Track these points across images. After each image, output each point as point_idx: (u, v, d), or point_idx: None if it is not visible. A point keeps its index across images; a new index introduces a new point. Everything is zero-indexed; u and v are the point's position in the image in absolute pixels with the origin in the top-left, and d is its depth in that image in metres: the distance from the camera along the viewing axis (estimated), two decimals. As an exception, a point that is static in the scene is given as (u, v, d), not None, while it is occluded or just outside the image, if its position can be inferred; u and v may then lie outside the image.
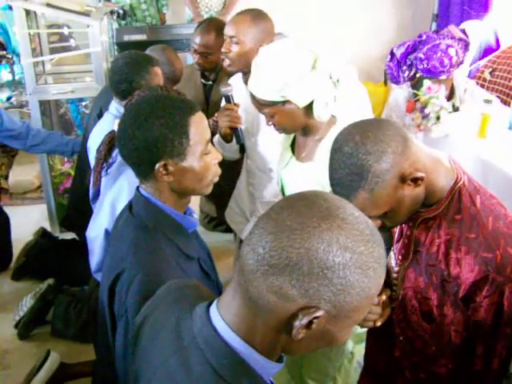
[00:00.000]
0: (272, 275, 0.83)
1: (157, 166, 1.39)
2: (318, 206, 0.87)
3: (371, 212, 1.35)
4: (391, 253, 1.62)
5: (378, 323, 1.54)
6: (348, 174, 1.32)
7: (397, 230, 1.58)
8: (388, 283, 1.60)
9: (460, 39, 3.01)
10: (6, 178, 4.49)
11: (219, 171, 1.52)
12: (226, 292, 0.94)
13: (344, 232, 0.84)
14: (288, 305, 0.84)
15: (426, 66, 2.99)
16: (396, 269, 1.59)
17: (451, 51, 2.96)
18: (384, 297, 1.53)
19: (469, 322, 1.44)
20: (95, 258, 2.19)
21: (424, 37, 3.06)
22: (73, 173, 3.86)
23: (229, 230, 3.46)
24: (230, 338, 0.90)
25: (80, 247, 2.84)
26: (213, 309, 0.95)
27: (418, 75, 3.16)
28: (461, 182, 1.43)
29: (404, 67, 3.13)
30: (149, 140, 1.38)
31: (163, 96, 1.48)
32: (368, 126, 1.35)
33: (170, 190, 1.45)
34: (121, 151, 1.47)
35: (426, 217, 1.46)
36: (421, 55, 3.00)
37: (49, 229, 3.75)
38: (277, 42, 1.90)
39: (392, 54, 3.22)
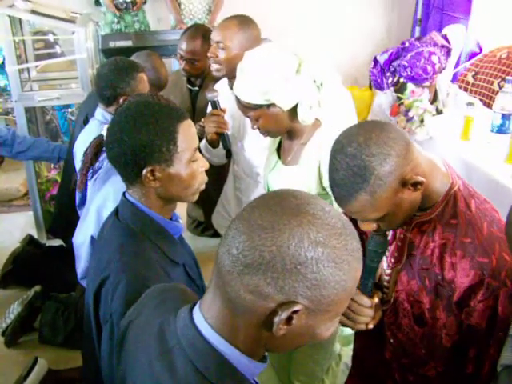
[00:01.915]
0: (247, 275, 0.85)
1: (144, 171, 1.40)
2: (288, 203, 0.88)
3: (370, 214, 1.35)
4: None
5: (370, 326, 1.53)
6: (350, 175, 1.30)
7: (390, 233, 1.59)
8: (379, 286, 1.60)
9: (442, 46, 3.04)
10: (-8, 185, 4.47)
11: (206, 179, 1.53)
12: (207, 294, 0.95)
13: (315, 227, 0.85)
14: (266, 302, 0.85)
15: (409, 73, 3.03)
16: (388, 271, 1.59)
17: (434, 58, 3.00)
18: (376, 299, 1.53)
19: (461, 326, 1.45)
20: (81, 264, 2.19)
21: (407, 44, 3.10)
22: (59, 179, 3.86)
23: (216, 234, 3.47)
24: (213, 338, 0.91)
25: (67, 254, 2.84)
26: (196, 311, 0.96)
27: (401, 80, 3.19)
28: (456, 187, 1.43)
29: (387, 74, 3.17)
30: (137, 145, 1.39)
31: (152, 102, 1.49)
32: (372, 128, 1.34)
33: (157, 196, 1.46)
34: (108, 155, 1.47)
35: (421, 220, 1.46)
36: (404, 63, 3.04)
37: (36, 236, 3.73)
38: (261, 46, 1.92)
39: (375, 60, 3.25)
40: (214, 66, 2.42)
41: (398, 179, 1.32)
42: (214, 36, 2.38)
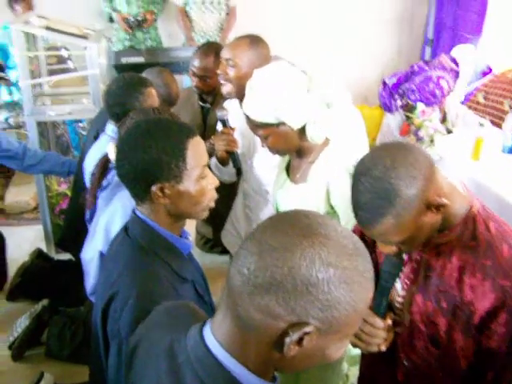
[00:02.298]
0: (258, 295, 0.85)
1: (153, 188, 1.40)
2: (299, 223, 0.88)
3: (394, 237, 1.34)
4: None
5: (383, 347, 1.52)
6: (376, 198, 1.28)
7: (404, 254, 1.57)
8: (391, 307, 1.58)
9: (451, 69, 3.06)
10: (2, 198, 4.50)
11: (215, 196, 1.53)
12: (217, 313, 0.95)
13: (326, 248, 0.85)
14: (276, 323, 0.85)
15: (418, 97, 3.05)
16: (402, 293, 1.57)
17: (443, 83, 3.02)
18: (389, 321, 1.51)
19: (479, 349, 1.43)
20: (90, 280, 2.20)
21: (416, 67, 3.12)
22: (69, 193, 3.87)
23: (225, 251, 3.46)
24: (223, 357, 0.91)
25: (76, 268, 2.84)
26: (206, 329, 0.96)
27: (410, 103, 3.21)
28: (475, 209, 1.42)
29: (396, 96, 3.18)
30: (146, 162, 1.39)
31: (162, 119, 1.50)
32: (397, 150, 1.33)
33: (166, 213, 1.46)
34: (118, 172, 1.48)
35: (438, 242, 1.44)
36: (413, 86, 3.06)
37: (45, 249, 3.74)
38: (271, 64, 1.93)
39: (384, 83, 3.27)
40: (224, 89, 2.42)
41: (423, 202, 1.30)
42: (224, 54, 2.39)
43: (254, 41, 2.39)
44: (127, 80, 2.47)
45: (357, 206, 1.34)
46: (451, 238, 1.43)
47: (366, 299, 0.89)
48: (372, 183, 1.29)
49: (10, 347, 3.00)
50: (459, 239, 1.42)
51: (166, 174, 1.40)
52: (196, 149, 1.44)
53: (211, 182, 1.50)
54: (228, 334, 0.92)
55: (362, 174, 1.32)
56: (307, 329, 0.84)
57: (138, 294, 1.35)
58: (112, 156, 1.98)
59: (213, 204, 1.53)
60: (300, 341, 0.86)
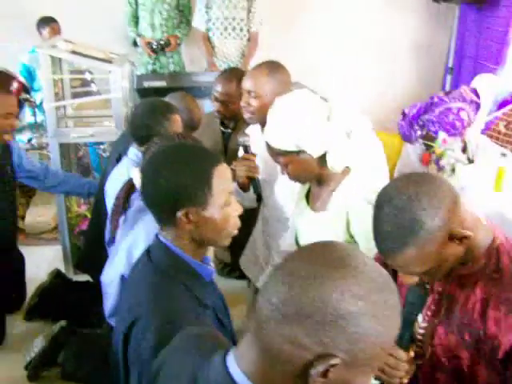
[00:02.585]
0: (286, 325, 0.85)
1: (178, 213, 1.41)
2: (330, 255, 0.88)
3: (416, 268, 1.33)
4: None
5: (405, 380, 1.49)
6: (398, 228, 1.28)
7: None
8: (413, 339, 1.56)
9: (472, 101, 3.05)
10: (23, 218, 4.54)
11: (239, 223, 1.53)
12: (243, 341, 0.95)
13: (356, 281, 0.85)
14: (303, 354, 0.85)
15: (438, 128, 3.04)
16: (423, 325, 1.55)
17: (463, 114, 3.02)
18: (412, 353, 1.50)
19: (505, 383, 1.40)
20: (109, 302, 2.20)
21: (436, 99, 3.12)
22: (89, 215, 3.90)
23: (242, 276, 3.45)
24: None
25: (94, 290, 2.85)
26: (230, 358, 0.96)
27: (429, 134, 3.20)
28: (499, 241, 1.41)
29: (416, 127, 3.18)
30: (172, 188, 1.40)
31: (189, 145, 1.52)
32: (421, 180, 1.33)
33: (190, 239, 1.47)
34: (143, 197, 1.50)
35: (462, 274, 1.43)
36: (433, 118, 3.06)
37: (63, 270, 3.75)
38: (292, 92, 1.94)
39: (404, 114, 3.28)
40: (246, 115, 2.44)
41: (447, 233, 1.29)
42: (245, 85, 2.41)
43: (273, 68, 2.40)
44: (154, 105, 2.50)
45: (379, 236, 1.34)
46: (474, 270, 1.41)
47: (393, 334, 0.89)
48: (395, 213, 1.29)
49: (26, 367, 3.00)
50: (483, 271, 1.41)
51: (192, 200, 1.41)
52: (222, 176, 1.45)
53: (235, 209, 1.51)
54: (253, 364, 0.92)
55: (385, 204, 1.32)
56: (334, 361, 0.84)
57: (160, 319, 1.35)
58: (136, 181, 2.00)
59: (236, 232, 1.53)
60: (325, 373, 0.85)
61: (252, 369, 0.92)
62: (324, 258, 0.88)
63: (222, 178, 1.46)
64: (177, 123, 2.52)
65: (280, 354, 0.87)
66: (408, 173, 1.42)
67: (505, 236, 1.45)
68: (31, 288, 3.51)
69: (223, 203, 1.45)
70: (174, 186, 1.40)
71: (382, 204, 1.33)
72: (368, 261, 0.90)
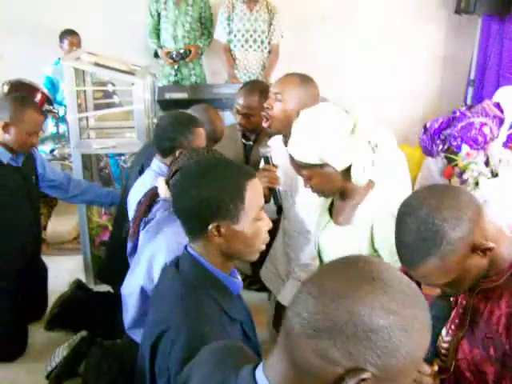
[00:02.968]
0: (317, 338, 0.84)
1: (210, 226, 1.41)
2: (360, 269, 0.88)
3: (438, 279, 1.33)
4: None
5: None
6: (420, 239, 1.29)
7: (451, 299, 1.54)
8: (437, 353, 1.55)
9: (495, 116, 3.02)
10: (45, 228, 4.58)
11: (268, 239, 1.54)
12: (272, 356, 0.95)
13: (387, 295, 0.85)
14: (333, 368, 0.84)
15: (459, 143, 3.02)
16: (447, 338, 1.54)
17: (485, 129, 2.99)
18: (436, 367, 1.49)
19: None
20: (129, 314, 2.20)
21: (457, 113, 3.09)
22: (110, 225, 3.93)
23: (262, 288, 3.45)
24: None
25: (114, 300, 2.86)
26: (259, 372, 0.96)
27: (451, 149, 3.18)
28: None
29: (438, 141, 3.16)
30: (205, 200, 1.41)
31: (222, 159, 1.53)
32: (444, 191, 1.34)
33: (219, 252, 1.47)
34: (175, 208, 1.51)
35: (486, 287, 1.42)
36: (455, 133, 3.03)
37: (84, 280, 3.77)
38: (318, 106, 1.94)
39: (425, 128, 3.26)
40: (266, 123, 2.43)
41: (469, 245, 1.30)
42: (273, 87, 2.42)
43: (305, 79, 2.41)
44: (179, 118, 2.53)
45: (401, 246, 1.35)
46: (499, 283, 1.40)
47: (423, 348, 0.88)
48: (417, 224, 1.30)
49: (47, 377, 3.01)
50: (508, 284, 1.39)
51: (224, 214, 1.41)
52: (254, 190, 1.46)
53: (266, 225, 1.51)
54: (282, 378, 0.91)
55: (407, 215, 1.33)
56: (364, 375, 0.83)
57: (188, 332, 1.35)
58: (161, 191, 2.01)
59: (264, 247, 1.53)
60: None
61: (281, 381, 0.91)
62: (355, 271, 0.88)
63: (255, 193, 1.47)
64: (201, 136, 2.53)
65: (310, 368, 0.86)
66: (430, 185, 1.43)
67: None
68: (52, 298, 3.52)
69: (255, 218, 1.46)
70: (208, 198, 1.41)
71: (404, 216, 1.34)
72: (399, 275, 0.90)
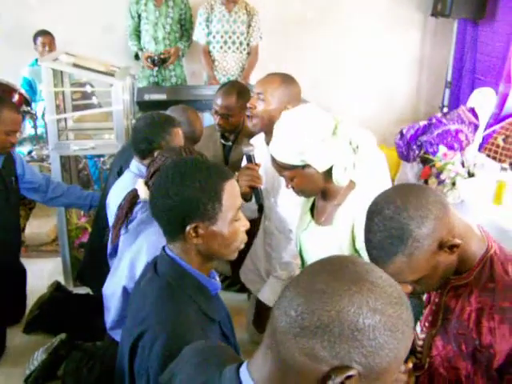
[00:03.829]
0: (304, 337, 0.85)
1: (188, 227, 1.42)
2: (347, 269, 0.90)
3: (407, 277, 1.35)
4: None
5: None
6: (387, 237, 1.32)
7: (424, 297, 1.57)
8: (412, 350, 1.57)
9: (470, 122, 3.09)
10: (23, 230, 4.53)
11: (246, 238, 1.55)
12: (257, 354, 0.96)
13: (373, 295, 0.86)
14: (319, 366, 0.86)
15: (436, 149, 3.07)
16: (421, 336, 1.56)
17: (461, 136, 3.06)
18: (410, 364, 1.51)
19: None
20: (111, 315, 2.20)
21: (434, 120, 3.15)
22: (89, 227, 3.90)
23: (242, 289, 3.46)
24: None
25: (94, 302, 2.85)
26: (243, 371, 0.96)
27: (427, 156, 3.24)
28: (492, 251, 1.42)
29: (414, 147, 3.22)
30: (182, 201, 1.41)
31: (200, 160, 1.53)
32: (410, 190, 1.36)
33: (197, 253, 1.47)
34: (153, 210, 1.50)
35: (457, 284, 1.46)
36: (431, 139, 3.09)
37: (63, 282, 3.74)
38: (299, 107, 1.95)
39: (401, 133, 3.31)
40: (250, 122, 2.45)
41: (436, 242, 1.32)
42: (256, 88, 2.44)
43: (286, 79, 2.43)
44: (156, 118, 2.51)
45: (370, 245, 1.37)
46: (469, 280, 1.43)
47: (406, 348, 0.90)
48: (384, 223, 1.32)
49: (25, 381, 2.98)
50: (477, 281, 1.42)
51: (202, 214, 1.42)
52: (232, 191, 1.46)
53: (243, 225, 1.52)
54: (268, 376, 0.92)
55: (374, 214, 1.36)
56: (350, 373, 0.85)
57: (167, 332, 1.35)
58: (141, 193, 2.01)
59: (243, 246, 1.54)
60: None
61: (267, 380, 0.92)
62: (342, 272, 0.89)
63: (232, 194, 1.47)
64: (178, 136, 2.53)
65: (296, 366, 0.87)
66: (398, 184, 1.45)
67: (499, 246, 1.47)
68: (31, 301, 3.50)
69: (232, 218, 1.46)
70: (185, 199, 1.41)
71: (372, 215, 1.37)
72: (383, 275, 0.91)
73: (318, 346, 0.85)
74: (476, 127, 3.14)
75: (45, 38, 4.96)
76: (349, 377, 0.85)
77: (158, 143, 2.45)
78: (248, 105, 2.44)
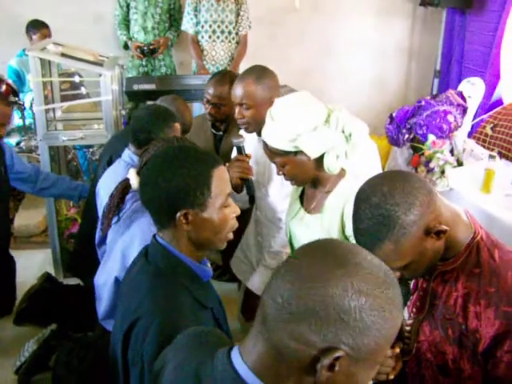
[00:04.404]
0: (292, 322, 0.87)
1: (177, 214, 1.42)
2: (332, 253, 0.91)
3: (394, 263, 1.36)
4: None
5: (391, 376, 1.52)
6: (375, 224, 1.33)
7: (411, 283, 1.59)
8: (400, 336, 1.59)
9: (458, 105, 3.10)
10: (12, 221, 4.51)
11: (236, 225, 1.55)
12: (248, 339, 0.97)
13: (358, 276, 0.88)
14: (309, 349, 0.87)
15: (425, 131, 3.08)
16: (409, 321, 1.59)
17: (450, 118, 3.06)
18: (397, 349, 1.53)
19: (487, 377, 1.43)
20: (103, 305, 2.19)
21: (423, 103, 3.15)
22: (78, 218, 3.89)
23: (232, 279, 3.46)
24: (253, 382, 0.93)
25: (84, 293, 2.85)
26: (235, 353, 0.98)
27: (417, 137, 3.24)
28: (479, 237, 1.44)
29: (403, 130, 3.22)
30: (172, 189, 1.42)
31: (189, 147, 1.53)
32: (396, 177, 1.38)
33: (187, 240, 1.47)
34: (142, 198, 1.50)
35: (444, 270, 1.47)
36: (420, 121, 3.09)
37: (53, 273, 3.73)
38: (293, 95, 1.95)
39: (391, 117, 3.31)
40: (243, 126, 2.45)
41: (422, 228, 1.34)
42: (235, 98, 2.41)
43: (259, 75, 2.40)
44: (158, 111, 2.51)
45: (357, 232, 1.40)
46: (456, 266, 1.45)
47: (394, 327, 0.91)
48: (371, 210, 1.34)
49: (16, 372, 2.98)
50: (464, 266, 1.44)
51: (191, 201, 1.42)
52: (221, 178, 1.47)
53: (233, 211, 1.52)
54: (259, 360, 0.93)
55: (361, 202, 1.38)
56: (338, 353, 0.86)
57: (160, 320, 1.36)
58: (133, 182, 2.01)
59: (232, 234, 1.54)
60: (331, 367, 0.87)
61: (258, 365, 0.93)
62: (326, 256, 0.91)
63: (221, 180, 1.47)
64: (177, 132, 2.52)
65: (286, 351, 0.89)
66: (384, 172, 1.46)
67: (485, 232, 1.49)
68: (21, 292, 3.48)
69: (222, 205, 1.47)
70: (174, 187, 1.41)
71: (359, 202, 1.39)
72: (370, 257, 0.93)
73: (307, 331, 0.86)
74: (465, 110, 3.15)
75: (43, 31, 4.81)
76: (337, 358, 0.86)
77: (157, 135, 2.44)
78: (236, 116, 2.43)
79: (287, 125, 1.81)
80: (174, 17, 5.27)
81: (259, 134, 2.41)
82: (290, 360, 0.89)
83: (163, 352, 1.18)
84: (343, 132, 1.85)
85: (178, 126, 2.52)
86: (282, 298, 0.88)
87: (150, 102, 3.55)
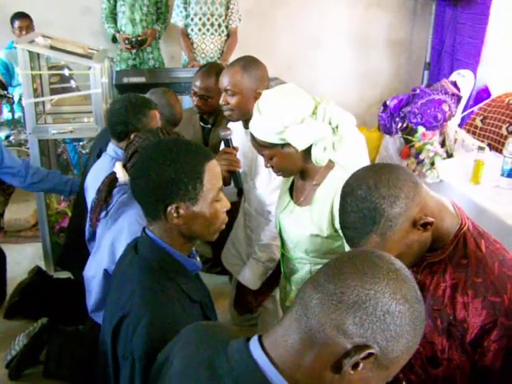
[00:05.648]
0: (338, 310, 0.90)
1: (169, 208, 1.42)
2: (384, 259, 0.96)
3: None
4: None
5: None
6: (360, 217, 1.34)
7: None
8: None
9: (453, 94, 3.10)
10: (2, 215, 4.49)
11: (226, 219, 1.55)
12: (277, 328, 0.98)
13: (406, 285, 0.93)
14: (344, 341, 0.89)
15: (419, 120, 3.08)
16: None
17: (444, 106, 3.06)
18: None
19: (476, 367, 1.44)
20: (92, 297, 2.19)
21: (417, 91, 3.15)
22: (69, 212, 3.88)
23: (223, 272, 3.47)
24: (271, 372, 0.94)
25: (75, 287, 2.84)
26: (254, 343, 0.98)
27: (410, 126, 3.24)
28: (465, 227, 1.45)
29: (397, 119, 3.22)
30: (163, 182, 1.41)
31: (180, 140, 1.53)
32: (381, 170, 1.38)
33: (178, 233, 1.47)
34: (134, 191, 1.50)
35: (431, 261, 1.48)
36: (415, 110, 3.09)
37: (43, 267, 3.72)
38: (280, 87, 1.95)
39: (385, 105, 3.31)
40: (226, 112, 2.45)
41: (408, 220, 1.34)
42: (222, 84, 2.42)
43: (248, 64, 2.40)
44: (132, 101, 2.48)
45: (344, 226, 1.40)
46: (444, 257, 1.46)
47: (416, 345, 0.95)
48: (356, 203, 1.34)
49: (7, 366, 2.97)
50: (451, 257, 1.45)
51: (183, 195, 1.42)
52: (212, 172, 1.47)
53: (224, 206, 1.53)
54: (286, 351, 0.94)
55: (347, 195, 1.38)
56: (369, 350, 0.89)
57: (150, 314, 1.35)
58: (120, 176, 2.00)
59: (223, 227, 1.55)
60: (355, 365, 0.90)
61: (283, 354, 0.94)
62: (381, 260, 0.96)
63: (213, 174, 1.47)
64: (155, 119, 2.50)
65: (321, 340, 0.90)
66: (370, 164, 1.47)
67: (472, 222, 1.49)
68: (11, 286, 3.48)
69: (213, 199, 1.47)
70: (166, 180, 1.41)
71: (345, 196, 1.39)
72: (409, 273, 0.97)
73: (350, 321, 0.89)
74: (459, 99, 3.16)
75: (22, 22, 4.80)
76: (366, 357, 0.89)
77: (135, 126, 2.42)
78: (221, 102, 2.43)
79: (274, 117, 1.81)
80: (160, 9, 5.25)
81: (246, 127, 2.41)
82: (321, 349, 0.91)
83: (168, 345, 1.18)
84: (330, 124, 1.85)
85: (155, 113, 2.50)
86: (335, 285, 0.91)
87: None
